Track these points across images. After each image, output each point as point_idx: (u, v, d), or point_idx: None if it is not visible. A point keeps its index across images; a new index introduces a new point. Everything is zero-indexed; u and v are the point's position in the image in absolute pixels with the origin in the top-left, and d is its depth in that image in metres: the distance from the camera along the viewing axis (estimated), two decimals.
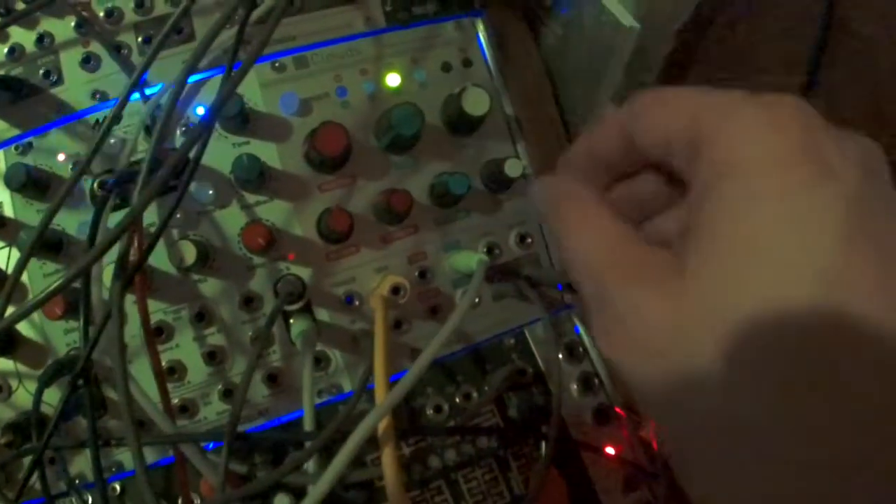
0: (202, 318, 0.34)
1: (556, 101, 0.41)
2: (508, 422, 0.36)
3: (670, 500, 0.36)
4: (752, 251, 0.18)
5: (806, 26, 0.33)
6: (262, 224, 0.33)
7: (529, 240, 0.38)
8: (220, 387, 0.34)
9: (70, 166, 0.35)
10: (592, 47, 0.36)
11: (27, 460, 0.32)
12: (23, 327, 0.34)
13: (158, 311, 0.34)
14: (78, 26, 0.36)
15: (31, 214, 0.35)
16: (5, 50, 0.36)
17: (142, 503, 0.33)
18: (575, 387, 0.38)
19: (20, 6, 0.36)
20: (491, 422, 0.36)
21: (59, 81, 0.36)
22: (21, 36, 0.36)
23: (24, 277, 0.34)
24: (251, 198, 0.35)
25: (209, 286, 0.34)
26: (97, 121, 0.35)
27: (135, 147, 0.33)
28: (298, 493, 0.31)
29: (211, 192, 0.34)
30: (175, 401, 0.34)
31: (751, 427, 0.17)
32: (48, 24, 0.36)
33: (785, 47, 0.36)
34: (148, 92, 0.35)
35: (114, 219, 0.32)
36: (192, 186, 0.34)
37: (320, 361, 0.35)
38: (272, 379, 0.34)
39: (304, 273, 0.35)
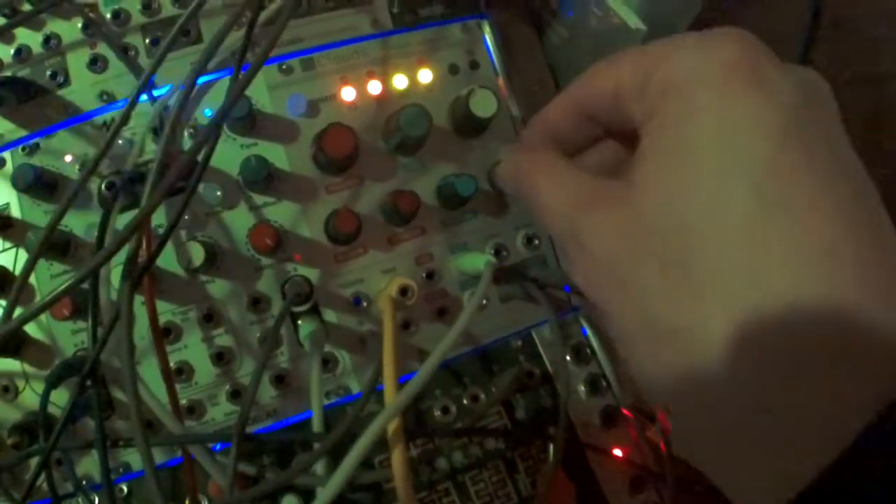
0: (210, 318, 0.34)
1: None
2: (516, 423, 0.36)
3: (677, 502, 0.36)
4: (690, 161, 0.19)
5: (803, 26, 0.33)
6: (269, 225, 0.33)
7: (537, 241, 0.38)
8: (227, 388, 0.34)
9: (77, 167, 0.35)
10: (598, 49, 0.37)
11: (34, 461, 0.32)
12: (30, 328, 0.34)
13: (166, 311, 0.34)
14: (85, 27, 0.36)
15: (39, 215, 0.35)
16: (12, 51, 0.36)
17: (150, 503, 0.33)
18: (582, 388, 0.38)
19: (26, 7, 0.36)
20: (498, 423, 0.36)
21: (66, 83, 0.36)
22: (28, 37, 0.36)
23: (32, 279, 0.34)
24: (259, 199, 0.35)
25: (217, 287, 0.34)
26: (104, 122, 0.35)
27: (142, 148, 0.33)
28: (306, 494, 0.31)
29: (219, 193, 0.34)
30: (183, 402, 0.33)
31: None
32: (55, 26, 0.36)
33: (785, 49, 0.36)
34: (155, 93, 0.35)
35: (122, 220, 0.32)
36: (200, 188, 0.34)
37: (328, 363, 0.35)
38: (280, 380, 0.34)
39: (312, 274, 0.35)
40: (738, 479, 0.19)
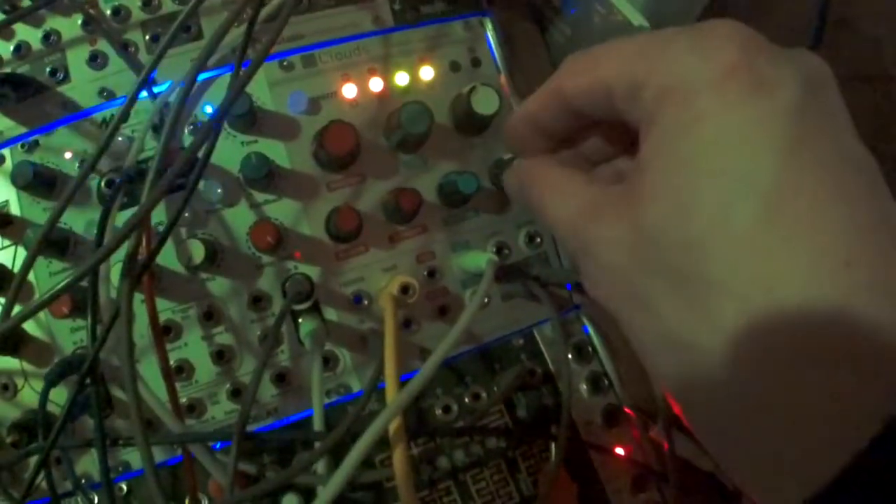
0: (210, 317, 0.34)
1: None
2: (517, 422, 0.36)
3: (680, 501, 0.36)
4: (692, 174, 0.19)
5: (809, 26, 0.33)
6: (270, 223, 0.33)
7: (539, 239, 0.38)
8: (228, 386, 0.34)
9: (77, 164, 0.35)
10: None
11: (33, 460, 0.31)
12: (29, 326, 0.34)
13: (167, 309, 0.34)
14: (85, 24, 0.36)
15: (38, 213, 0.34)
16: (11, 47, 0.36)
17: (148, 503, 0.33)
18: (584, 387, 0.37)
19: (26, 3, 0.36)
20: (500, 422, 0.36)
21: (66, 79, 0.35)
22: (27, 33, 0.36)
23: (31, 276, 0.34)
24: (259, 196, 0.35)
25: (217, 285, 0.34)
26: (104, 119, 0.35)
27: (142, 146, 0.33)
28: (307, 493, 0.31)
29: (219, 190, 0.34)
30: (183, 400, 0.33)
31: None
32: (55, 22, 0.36)
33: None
34: (156, 90, 0.35)
35: (121, 217, 0.32)
36: (201, 185, 0.34)
37: (329, 361, 0.35)
38: (281, 378, 0.34)
39: (313, 272, 0.35)
40: (755, 479, 0.19)
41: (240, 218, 0.34)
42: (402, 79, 0.37)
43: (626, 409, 0.37)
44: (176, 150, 0.34)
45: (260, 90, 0.35)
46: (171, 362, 0.33)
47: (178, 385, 0.33)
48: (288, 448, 0.33)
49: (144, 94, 0.34)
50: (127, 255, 0.28)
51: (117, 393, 0.34)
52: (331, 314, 0.35)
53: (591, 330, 0.38)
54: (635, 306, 0.20)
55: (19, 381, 0.34)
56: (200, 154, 0.30)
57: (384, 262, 0.36)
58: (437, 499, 0.35)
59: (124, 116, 0.30)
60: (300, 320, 0.34)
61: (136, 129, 0.35)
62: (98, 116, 0.35)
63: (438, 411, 0.35)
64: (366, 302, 0.35)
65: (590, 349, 0.38)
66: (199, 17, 0.36)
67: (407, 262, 0.36)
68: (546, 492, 0.33)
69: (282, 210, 0.35)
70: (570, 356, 0.38)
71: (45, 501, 0.32)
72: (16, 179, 0.33)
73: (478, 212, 0.37)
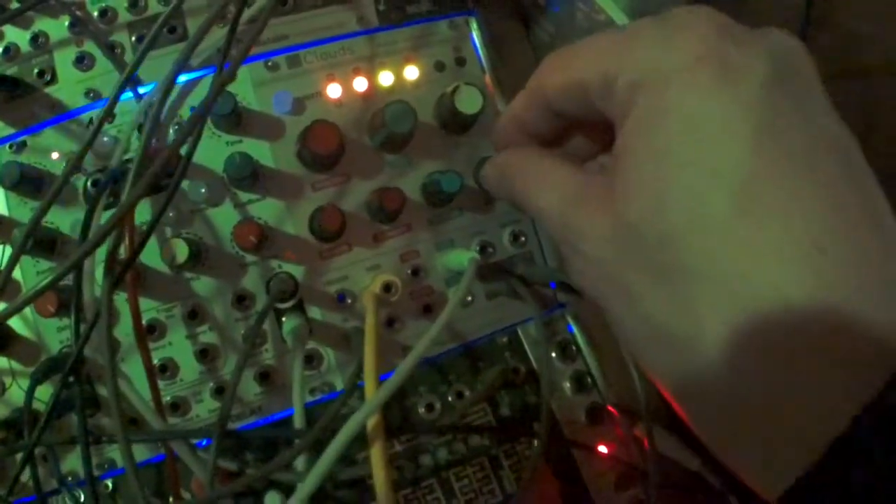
0: (195, 316, 0.34)
1: None
2: (501, 420, 0.36)
3: (665, 500, 0.36)
4: (664, 166, 0.19)
5: (793, 23, 0.33)
6: (253, 222, 0.33)
7: (523, 238, 0.38)
8: (212, 385, 0.34)
9: (64, 165, 0.35)
10: None
11: (20, 458, 0.32)
12: (17, 325, 0.34)
13: (151, 309, 0.34)
14: (72, 25, 0.36)
15: (25, 212, 0.35)
16: (0, 49, 0.36)
17: (133, 500, 0.33)
18: (568, 386, 0.37)
19: (14, 6, 0.36)
20: (483, 420, 0.36)
21: (53, 80, 0.36)
22: (16, 35, 0.36)
23: (18, 275, 0.35)
24: (244, 196, 0.35)
25: (202, 284, 0.34)
26: (90, 119, 0.35)
27: (128, 145, 0.33)
28: (290, 491, 0.31)
29: (203, 190, 0.34)
30: (167, 399, 0.34)
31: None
32: (42, 24, 0.36)
33: None
34: (141, 91, 0.35)
35: (107, 217, 0.32)
36: (185, 185, 0.34)
37: (313, 360, 0.35)
38: (264, 377, 0.34)
39: (297, 271, 0.35)
40: (744, 462, 0.19)
41: (224, 217, 0.35)
42: (386, 78, 0.37)
43: (610, 408, 0.37)
44: (161, 149, 0.34)
45: (245, 90, 0.36)
46: (156, 361, 0.34)
47: (162, 384, 0.33)
48: (271, 446, 0.34)
49: (131, 95, 0.35)
50: (107, 253, 0.28)
51: (103, 391, 0.34)
52: (315, 313, 0.35)
53: (575, 329, 0.38)
54: (619, 298, 0.21)
55: (7, 380, 0.34)
56: (184, 152, 0.30)
57: (368, 261, 0.36)
58: (420, 497, 0.35)
59: (107, 115, 0.31)
60: (284, 319, 0.34)
61: (123, 129, 0.35)
62: (85, 117, 0.36)
63: (422, 409, 0.36)
64: (350, 301, 0.35)
65: (574, 348, 0.38)
66: (184, 18, 0.36)
67: (391, 261, 0.36)
68: (527, 486, 0.33)
69: (266, 209, 0.35)
70: (553, 354, 0.38)
71: (31, 499, 0.32)
72: (3, 179, 0.33)
73: (462, 211, 0.37)
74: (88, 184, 0.34)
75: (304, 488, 0.25)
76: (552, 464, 0.36)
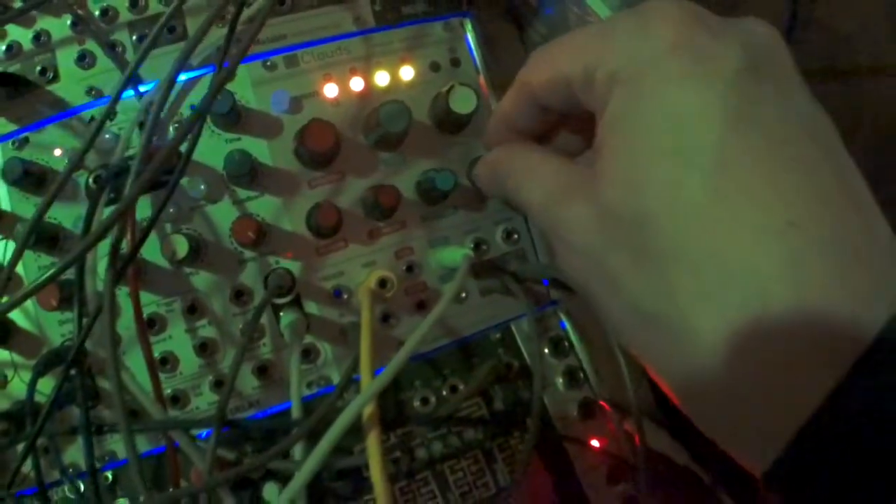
0: (194, 310, 0.35)
1: None
2: (494, 415, 0.37)
3: (656, 494, 0.36)
4: (641, 152, 0.19)
5: (780, 24, 0.34)
6: (252, 219, 0.34)
7: (516, 236, 0.39)
8: (211, 378, 0.35)
9: (66, 161, 0.36)
10: None
11: (21, 450, 0.32)
12: (19, 318, 0.35)
13: (151, 303, 0.35)
14: (73, 24, 0.36)
15: (28, 208, 0.35)
16: (3, 47, 0.37)
17: (133, 492, 0.34)
18: (560, 381, 0.38)
19: (18, 5, 0.37)
20: (477, 414, 0.37)
21: (55, 78, 0.36)
22: (18, 34, 0.37)
23: (21, 270, 0.35)
24: (242, 193, 0.36)
25: (201, 279, 0.35)
26: (92, 117, 0.36)
27: (129, 143, 0.34)
28: (287, 482, 0.32)
29: (203, 187, 0.35)
30: (167, 391, 0.34)
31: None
32: (45, 22, 0.37)
33: None
34: (142, 89, 0.36)
35: (108, 213, 0.32)
36: (185, 182, 0.35)
37: (309, 354, 0.36)
38: (262, 371, 0.35)
39: (294, 267, 0.36)
40: (730, 439, 0.20)
41: (223, 214, 0.35)
42: (382, 78, 0.38)
43: (602, 403, 0.38)
44: (161, 146, 0.35)
45: (243, 90, 0.36)
46: (156, 354, 0.34)
47: (162, 377, 0.34)
48: (269, 438, 0.34)
49: (132, 93, 0.35)
50: (111, 247, 0.29)
51: (104, 384, 0.35)
52: (312, 308, 0.36)
53: (567, 325, 0.39)
54: (604, 285, 0.21)
55: (9, 372, 0.35)
56: (183, 149, 0.31)
57: (364, 258, 0.37)
58: (415, 489, 0.35)
59: (109, 114, 0.31)
60: (281, 314, 0.35)
61: (124, 127, 0.36)
62: (86, 114, 0.36)
63: (417, 403, 0.36)
64: (346, 296, 0.36)
65: (566, 344, 0.39)
66: (184, 17, 0.37)
67: (386, 258, 0.37)
68: (519, 478, 0.34)
69: (264, 206, 0.36)
70: (546, 350, 0.38)
71: (33, 491, 0.33)
72: (6, 176, 0.34)
73: (456, 208, 0.38)
74: (90, 180, 0.35)
75: (301, 476, 0.26)
76: (545, 457, 0.36)
